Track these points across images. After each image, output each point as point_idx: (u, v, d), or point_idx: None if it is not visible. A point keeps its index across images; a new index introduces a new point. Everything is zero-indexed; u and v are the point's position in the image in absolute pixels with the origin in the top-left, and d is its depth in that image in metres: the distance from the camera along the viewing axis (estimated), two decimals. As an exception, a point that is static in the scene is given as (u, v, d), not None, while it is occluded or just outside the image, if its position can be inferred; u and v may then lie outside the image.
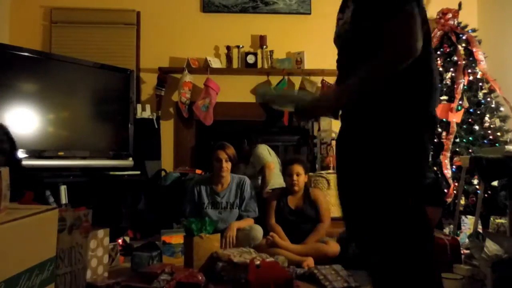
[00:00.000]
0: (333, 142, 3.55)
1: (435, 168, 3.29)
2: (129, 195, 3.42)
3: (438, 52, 3.54)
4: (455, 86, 3.40)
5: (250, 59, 3.99)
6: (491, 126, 3.37)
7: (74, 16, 3.99)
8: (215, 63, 3.99)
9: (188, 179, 3.43)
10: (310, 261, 2.44)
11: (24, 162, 2.76)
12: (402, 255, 1.22)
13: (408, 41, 1.17)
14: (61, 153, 2.96)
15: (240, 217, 2.96)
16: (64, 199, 2.86)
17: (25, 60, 2.85)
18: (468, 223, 2.96)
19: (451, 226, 2.94)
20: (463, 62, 3.44)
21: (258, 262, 2.08)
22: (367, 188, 1.26)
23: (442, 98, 3.41)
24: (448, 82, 3.46)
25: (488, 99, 3.46)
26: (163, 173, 3.68)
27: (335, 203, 3.19)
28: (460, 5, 3.58)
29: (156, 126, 3.80)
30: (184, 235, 2.48)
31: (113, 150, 3.32)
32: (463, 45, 3.52)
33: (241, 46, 4.04)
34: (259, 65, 4.03)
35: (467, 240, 2.39)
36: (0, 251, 1.01)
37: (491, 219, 3.03)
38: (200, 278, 2.02)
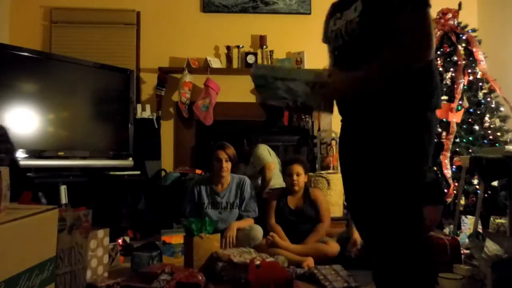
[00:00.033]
0: (333, 142, 3.54)
1: (435, 168, 3.28)
2: (129, 195, 3.42)
3: (438, 52, 3.54)
4: (455, 86, 3.39)
5: (250, 59, 3.99)
6: (491, 126, 3.37)
7: (74, 16, 3.99)
8: (215, 63, 3.99)
9: (188, 179, 3.44)
10: (310, 261, 2.44)
11: (24, 162, 2.76)
12: (399, 253, 1.23)
13: (425, 44, 1.17)
14: (61, 153, 2.96)
15: (240, 217, 2.96)
16: (64, 199, 2.86)
17: (25, 60, 2.85)
18: (468, 223, 2.95)
19: (451, 226, 2.94)
20: (463, 62, 3.44)
21: (258, 262, 2.08)
22: (370, 186, 1.27)
23: (442, 98, 3.41)
24: (448, 82, 3.45)
25: (488, 99, 3.46)
26: (163, 173, 3.68)
27: (335, 203, 3.19)
28: (460, 5, 3.58)
29: (156, 126, 3.80)
30: (184, 235, 2.48)
31: (113, 150, 3.32)
32: (463, 45, 3.51)
33: (241, 46, 4.04)
34: (259, 65, 4.03)
35: (467, 240, 2.39)
36: (0, 251, 1.01)
37: (491, 219, 3.03)
38: (200, 278, 2.02)
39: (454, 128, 3.30)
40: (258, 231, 2.83)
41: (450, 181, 3.21)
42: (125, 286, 2.00)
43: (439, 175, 3.25)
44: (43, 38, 4.02)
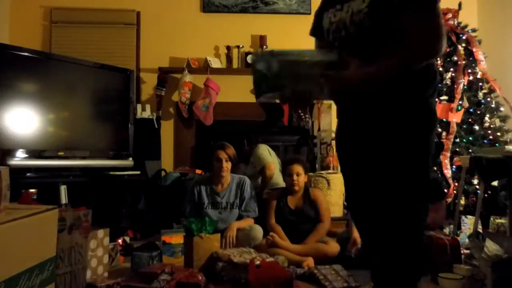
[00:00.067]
0: (333, 142, 3.54)
1: (435, 168, 3.28)
2: (129, 195, 3.42)
3: (438, 52, 3.53)
4: (455, 86, 3.39)
5: (250, 59, 3.99)
6: (491, 126, 3.37)
7: (74, 16, 3.99)
8: (215, 63, 3.99)
9: (188, 179, 3.44)
10: (310, 261, 2.44)
11: (24, 162, 2.76)
12: (400, 253, 1.23)
13: (438, 39, 1.17)
14: (61, 153, 2.96)
15: (240, 217, 2.96)
16: (64, 199, 2.86)
17: (25, 60, 2.85)
18: (468, 223, 2.95)
19: (451, 226, 2.94)
20: (463, 62, 3.44)
21: (258, 262, 2.08)
22: (374, 184, 1.27)
23: (442, 98, 3.41)
24: (448, 82, 3.45)
25: (488, 99, 3.46)
26: (163, 173, 3.68)
27: (335, 203, 3.19)
28: (460, 5, 3.58)
29: (156, 126, 3.80)
30: (184, 235, 2.48)
31: (113, 150, 3.32)
32: (463, 45, 3.51)
33: (241, 46, 4.04)
34: (259, 65, 4.02)
35: (467, 240, 2.39)
36: (0, 251, 1.01)
37: (491, 219, 3.03)
38: (200, 278, 2.02)
39: (454, 128, 3.30)
40: (258, 231, 2.83)
41: (450, 181, 3.21)
42: (125, 286, 2.00)
43: (439, 175, 3.25)
44: (43, 38, 4.02)
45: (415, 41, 1.18)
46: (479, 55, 3.46)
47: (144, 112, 3.80)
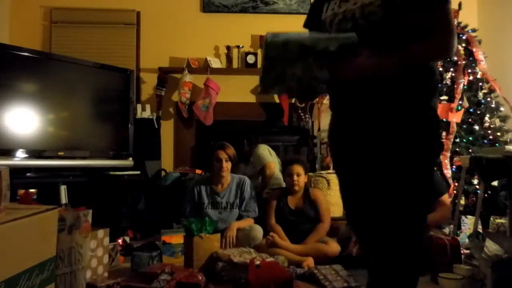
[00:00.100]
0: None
1: (435, 168, 3.29)
2: (129, 195, 3.43)
3: (438, 52, 3.53)
4: (455, 86, 3.40)
5: (250, 59, 3.99)
6: (491, 126, 3.37)
7: (74, 16, 3.99)
8: (215, 63, 3.99)
9: (188, 179, 3.44)
10: (310, 261, 2.44)
11: (24, 162, 2.77)
12: (401, 254, 1.23)
13: (453, 36, 1.16)
14: (61, 153, 2.96)
15: (240, 217, 2.96)
16: (64, 199, 2.86)
17: (25, 60, 2.85)
18: (468, 223, 2.95)
19: (451, 226, 2.94)
20: (463, 62, 3.44)
21: (258, 262, 2.08)
22: (377, 185, 1.25)
23: (442, 98, 3.41)
24: (448, 82, 3.45)
25: (488, 99, 3.46)
26: (163, 173, 3.68)
27: (335, 203, 3.19)
28: (460, 5, 3.58)
29: (156, 126, 3.80)
30: (184, 235, 2.48)
31: (113, 150, 3.32)
32: (463, 45, 3.51)
33: (241, 46, 4.04)
34: (259, 65, 4.02)
35: (467, 240, 2.39)
36: (0, 251, 1.01)
37: (491, 219, 3.03)
38: (200, 278, 2.02)
39: (454, 128, 3.30)
40: (258, 231, 2.83)
41: (450, 181, 3.21)
42: (125, 286, 2.00)
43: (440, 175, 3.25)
44: (43, 38, 4.02)
45: (433, 37, 1.16)
46: (479, 55, 3.46)
47: (144, 112, 3.80)
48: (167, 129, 4.02)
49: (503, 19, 3.92)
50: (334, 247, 2.60)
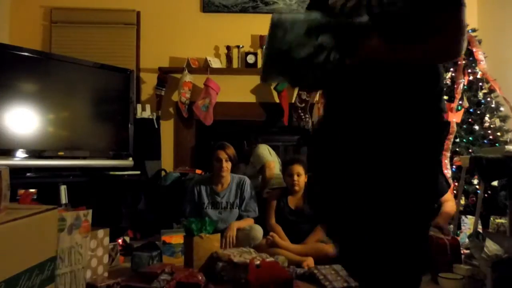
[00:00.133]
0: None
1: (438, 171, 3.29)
2: (129, 195, 3.42)
3: (438, 52, 3.53)
4: (455, 86, 3.40)
5: (250, 59, 3.99)
6: (491, 126, 3.37)
7: (74, 16, 3.99)
8: (215, 63, 3.99)
9: (188, 179, 3.43)
10: (310, 261, 2.44)
11: (24, 162, 2.77)
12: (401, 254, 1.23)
13: (463, 38, 1.16)
14: (61, 153, 2.96)
15: (240, 217, 2.96)
16: (64, 199, 2.86)
17: (25, 60, 2.85)
18: (468, 223, 2.95)
19: (451, 226, 2.94)
20: (463, 62, 3.44)
21: (258, 262, 2.08)
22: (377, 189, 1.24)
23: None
24: (448, 82, 3.46)
25: (488, 99, 3.46)
26: (163, 173, 3.68)
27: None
28: (460, 5, 3.58)
29: (156, 126, 3.80)
30: (184, 235, 2.48)
31: (113, 150, 3.32)
32: (463, 45, 3.51)
33: (241, 46, 4.04)
34: (259, 65, 4.02)
35: (467, 240, 2.39)
36: (0, 251, 1.01)
37: (491, 219, 3.03)
38: (200, 278, 2.02)
39: (454, 128, 3.30)
40: (258, 231, 2.83)
41: (450, 181, 3.21)
42: (125, 286, 1.99)
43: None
44: (43, 38, 4.02)
45: (445, 36, 1.15)
46: (479, 55, 3.46)
47: (144, 112, 3.80)
48: (167, 129, 4.02)
49: (503, 19, 3.92)
50: (334, 247, 2.60)
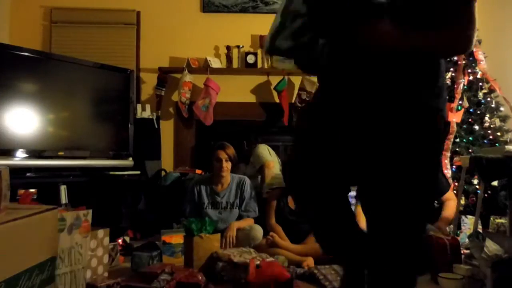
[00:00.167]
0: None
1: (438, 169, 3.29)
2: (129, 195, 3.42)
3: (438, 52, 3.54)
4: (455, 86, 3.40)
5: (250, 59, 3.99)
6: (491, 126, 3.37)
7: (74, 16, 3.99)
8: (215, 63, 3.99)
9: (188, 179, 3.43)
10: (310, 261, 2.44)
11: (24, 162, 2.76)
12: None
13: (474, 32, 1.15)
14: (61, 153, 2.96)
15: (240, 217, 2.96)
16: (64, 199, 2.86)
17: (25, 60, 2.85)
18: (468, 223, 2.95)
19: (451, 226, 2.94)
20: (463, 62, 3.44)
21: (258, 262, 2.08)
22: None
23: (442, 98, 3.41)
24: (448, 82, 3.46)
25: (488, 99, 3.46)
26: (163, 173, 3.68)
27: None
28: (460, 5, 3.58)
29: (156, 126, 3.80)
30: (184, 235, 2.48)
31: (113, 150, 3.32)
32: (463, 45, 3.51)
33: (241, 46, 4.04)
34: (259, 65, 4.03)
35: (467, 240, 2.39)
36: (0, 251, 1.01)
37: (491, 219, 3.03)
38: (200, 278, 2.02)
39: (454, 128, 3.30)
40: (258, 231, 2.83)
41: (450, 181, 3.21)
42: (125, 286, 1.99)
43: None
44: (43, 38, 4.02)
45: (459, 28, 1.15)
46: (479, 55, 3.47)
47: (144, 112, 3.80)
48: (167, 129, 4.02)
49: (503, 19, 3.93)
50: (334, 247, 2.60)
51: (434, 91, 1.22)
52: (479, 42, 3.53)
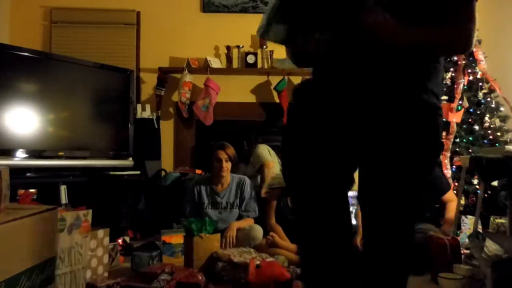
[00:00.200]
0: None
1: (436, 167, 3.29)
2: (129, 195, 3.42)
3: (438, 52, 3.54)
4: (455, 86, 3.40)
5: (250, 59, 3.99)
6: (491, 126, 3.37)
7: (74, 16, 3.99)
8: (215, 63, 3.99)
9: (188, 179, 3.44)
10: (310, 261, 2.44)
11: (24, 162, 2.76)
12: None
13: (474, 31, 1.14)
14: (61, 153, 2.96)
15: (240, 217, 2.96)
16: (64, 199, 2.86)
17: (25, 60, 2.85)
18: (468, 223, 2.95)
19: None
20: (463, 62, 3.44)
21: (258, 262, 2.08)
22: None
23: (442, 98, 3.41)
24: (448, 82, 3.46)
25: (488, 99, 3.46)
26: (163, 173, 3.68)
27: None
28: (460, 5, 3.58)
29: (156, 126, 3.80)
30: (184, 235, 2.48)
31: (113, 150, 3.32)
32: (463, 45, 3.51)
33: (241, 46, 4.04)
34: (259, 65, 4.03)
35: (467, 240, 2.39)
36: (0, 251, 1.01)
37: (491, 219, 3.03)
38: (200, 278, 2.02)
39: (454, 128, 3.30)
40: (258, 231, 2.83)
41: (450, 181, 3.21)
42: (125, 286, 1.99)
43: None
44: (43, 38, 4.02)
45: (459, 26, 1.13)
46: (479, 55, 3.47)
47: (144, 112, 3.80)
48: (167, 129, 4.02)
49: (503, 19, 3.93)
50: (334, 247, 2.59)
51: (433, 90, 1.22)
52: (479, 42, 3.53)
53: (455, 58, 3.47)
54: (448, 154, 3.27)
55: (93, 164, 3.14)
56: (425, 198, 1.26)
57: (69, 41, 3.94)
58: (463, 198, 3.12)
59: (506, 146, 2.66)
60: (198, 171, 3.59)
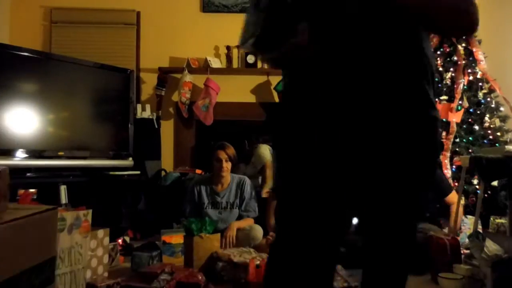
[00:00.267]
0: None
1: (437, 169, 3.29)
2: (129, 195, 3.42)
3: (438, 52, 3.54)
4: (455, 86, 3.40)
5: (250, 59, 3.99)
6: (491, 126, 3.37)
7: (74, 16, 3.99)
8: (215, 63, 3.99)
9: (188, 179, 3.44)
10: (310, 261, 2.44)
11: (24, 162, 2.77)
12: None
13: (474, 9, 1.08)
14: (61, 153, 2.96)
15: (240, 217, 2.96)
16: (64, 199, 2.86)
17: (25, 60, 2.85)
18: (468, 223, 2.95)
19: (451, 225, 2.94)
20: (463, 62, 3.44)
21: (258, 262, 2.08)
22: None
23: (442, 98, 3.41)
24: (448, 82, 3.46)
25: (488, 99, 3.46)
26: (163, 173, 3.68)
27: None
28: (460, 5, 3.58)
29: (156, 126, 3.80)
30: (184, 235, 2.48)
31: (113, 150, 3.32)
32: (463, 45, 3.52)
33: (241, 46, 4.04)
34: (259, 65, 4.03)
35: (467, 240, 2.39)
36: (0, 251, 1.01)
37: (491, 219, 3.03)
38: (200, 278, 2.02)
39: (454, 128, 3.30)
40: (258, 231, 2.83)
41: (450, 181, 3.21)
42: (125, 286, 2.00)
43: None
44: (43, 38, 4.02)
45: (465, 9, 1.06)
46: (479, 55, 3.47)
47: (144, 112, 3.80)
48: (167, 129, 4.02)
49: (503, 19, 3.93)
50: (334, 247, 2.59)
51: (431, 100, 1.18)
52: (479, 42, 3.53)
53: (455, 58, 3.47)
54: (448, 154, 3.27)
55: (93, 164, 3.14)
56: (426, 198, 1.25)
57: (69, 41, 3.94)
58: (463, 198, 3.12)
59: (506, 146, 2.66)
60: (198, 171, 3.59)
